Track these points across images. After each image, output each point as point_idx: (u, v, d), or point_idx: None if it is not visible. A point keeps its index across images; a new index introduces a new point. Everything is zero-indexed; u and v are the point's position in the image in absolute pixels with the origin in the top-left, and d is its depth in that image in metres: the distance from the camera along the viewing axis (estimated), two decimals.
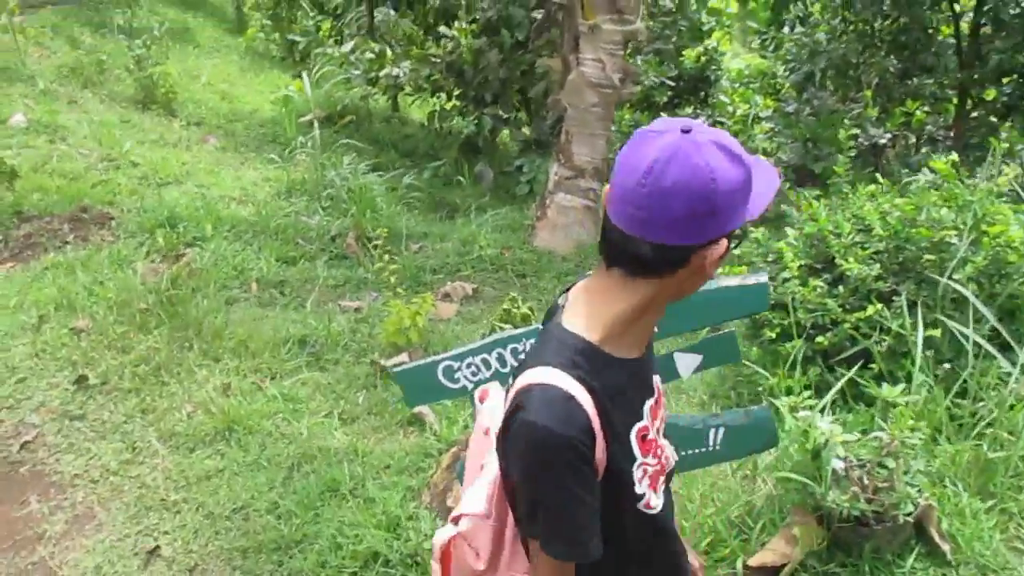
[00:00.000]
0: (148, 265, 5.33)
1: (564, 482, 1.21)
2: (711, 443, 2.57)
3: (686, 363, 2.56)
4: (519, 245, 6.31)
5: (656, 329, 1.46)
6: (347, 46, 8.51)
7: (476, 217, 6.73)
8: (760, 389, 3.68)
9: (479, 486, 1.44)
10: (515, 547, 1.41)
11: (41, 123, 7.36)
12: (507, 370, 2.55)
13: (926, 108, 9.58)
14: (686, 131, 1.19)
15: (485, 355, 2.54)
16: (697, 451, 2.57)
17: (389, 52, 8.27)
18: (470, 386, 2.58)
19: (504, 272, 5.96)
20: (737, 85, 12.09)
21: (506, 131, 8.46)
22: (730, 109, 11.06)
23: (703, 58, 11.38)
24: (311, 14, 11.43)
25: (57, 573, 3.10)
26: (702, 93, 11.67)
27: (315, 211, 6.58)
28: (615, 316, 1.28)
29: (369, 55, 8.34)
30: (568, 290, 1.41)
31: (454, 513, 1.44)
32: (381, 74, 8.05)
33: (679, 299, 1.32)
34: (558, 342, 1.29)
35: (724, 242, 1.23)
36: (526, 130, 7.69)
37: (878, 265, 3.52)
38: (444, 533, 1.44)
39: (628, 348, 1.32)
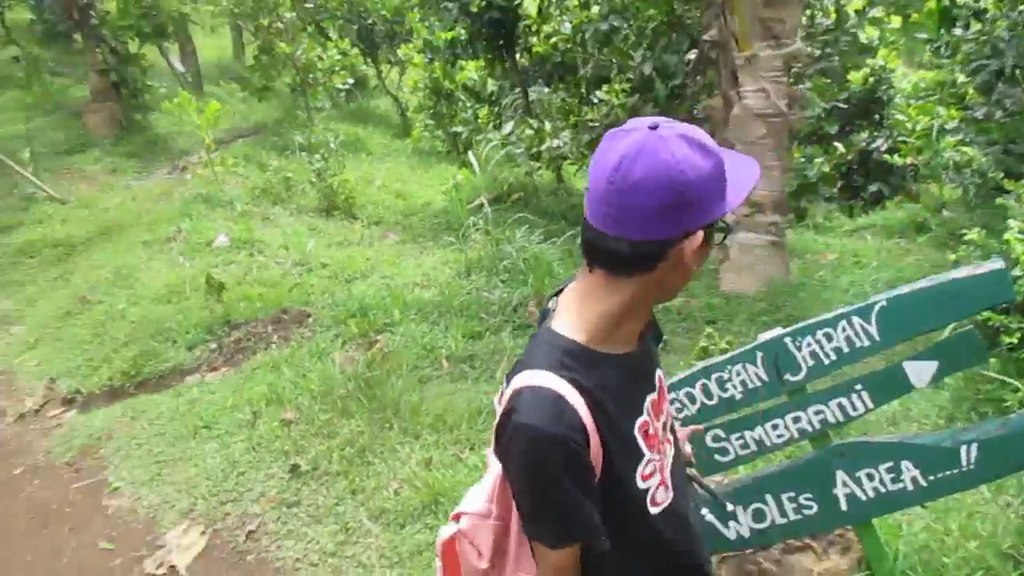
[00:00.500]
0: (344, 354, 5.54)
1: (560, 480, 1.22)
2: (964, 462, 2.23)
3: (919, 372, 2.27)
4: (704, 291, 6.06)
5: (646, 320, 1.41)
6: (506, 128, 8.74)
7: None
8: (1007, 404, 3.23)
9: (482, 485, 1.46)
10: (522, 548, 1.39)
11: (241, 240, 7.98)
12: (714, 402, 2.37)
13: None
14: (653, 127, 1.21)
15: (689, 388, 2.39)
16: (948, 473, 2.25)
17: (548, 126, 8.40)
18: (677, 425, 2.40)
19: (691, 320, 5.72)
20: (914, 100, 11.35)
21: None
22: (909, 126, 10.35)
23: (871, 79, 10.80)
24: (469, 105, 11.89)
25: None
26: (875, 115, 11.04)
27: (494, 285, 6.65)
28: (601, 316, 1.29)
29: (528, 132, 8.50)
30: (558, 294, 1.41)
31: (456, 511, 1.45)
32: (543, 148, 8.17)
33: (669, 296, 1.35)
34: (548, 345, 1.31)
35: (700, 235, 1.22)
36: None
37: None
38: (446, 531, 1.45)
39: (618, 344, 1.33)
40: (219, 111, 9.29)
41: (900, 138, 10.01)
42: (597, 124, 8.08)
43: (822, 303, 5.84)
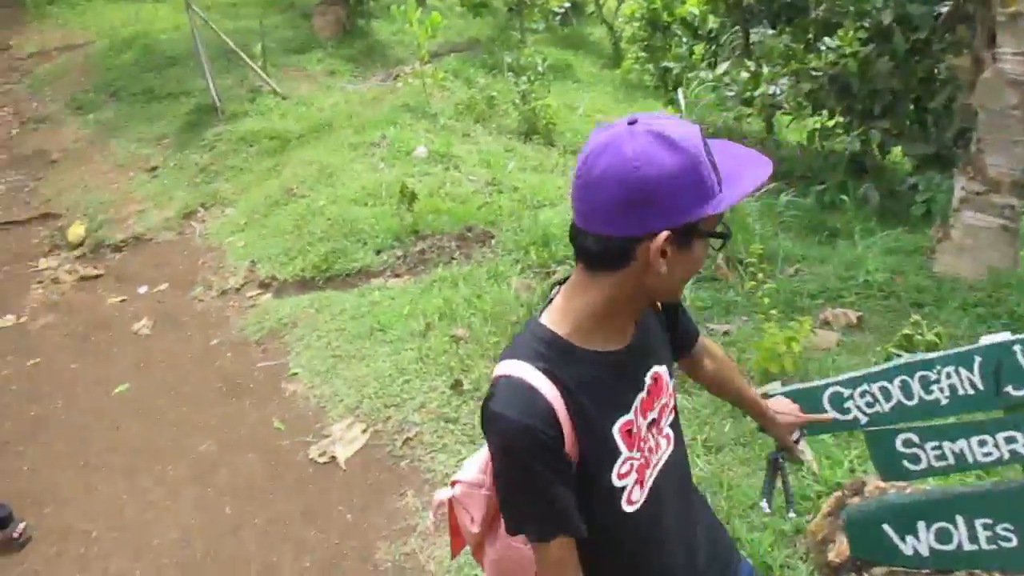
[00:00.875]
0: (521, 280, 5.53)
1: (531, 468, 1.23)
2: None
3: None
4: (914, 271, 5.51)
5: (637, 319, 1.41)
6: (721, 67, 8.25)
7: (861, 240, 6.03)
8: None
9: (476, 455, 1.54)
10: None
11: (439, 153, 8.12)
12: (914, 402, 2.10)
13: None
14: (632, 123, 1.19)
15: (885, 383, 2.11)
16: None
17: (765, 70, 7.84)
18: (863, 419, 2.16)
19: (895, 300, 5.23)
20: None
21: (897, 148, 7.56)
22: None
23: None
24: (684, 40, 11.37)
25: (425, 567, 3.21)
26: None
27: None
28: (582, 310, 1.29)
29: (744, 74, 7.99)
30: (563, 282, 1.39)
31: (453, 477, 1.51)
32: (756, 93, 7.66)
33: (662, 296, 1.35)
34: (530, 335, 1.32)
35: (663, 235, 1.18)
36: (923, 144, 6.76)
37: None
38: (442, 493, 1.53)
39: (604, 341, 1.32)
40: (439, 24, 9.36)
41: None
42: (820, 74, 7.44)
43: None
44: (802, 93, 7.55)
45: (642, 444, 1.38)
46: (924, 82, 6.96)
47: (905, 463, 2.18)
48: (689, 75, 10.59)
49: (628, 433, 1.34)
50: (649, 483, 1.39)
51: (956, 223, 5.47)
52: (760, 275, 4.85)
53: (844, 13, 7.46)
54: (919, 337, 2.99)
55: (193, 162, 8.89)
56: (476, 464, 1.53)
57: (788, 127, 9.53)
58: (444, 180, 7.53)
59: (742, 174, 1.23)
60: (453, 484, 1.52)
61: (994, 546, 2.11)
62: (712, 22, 10.82)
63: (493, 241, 6.29)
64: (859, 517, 2.26)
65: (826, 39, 7.54)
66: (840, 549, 2.45)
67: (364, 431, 4.22)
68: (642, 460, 1.38)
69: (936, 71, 6.58)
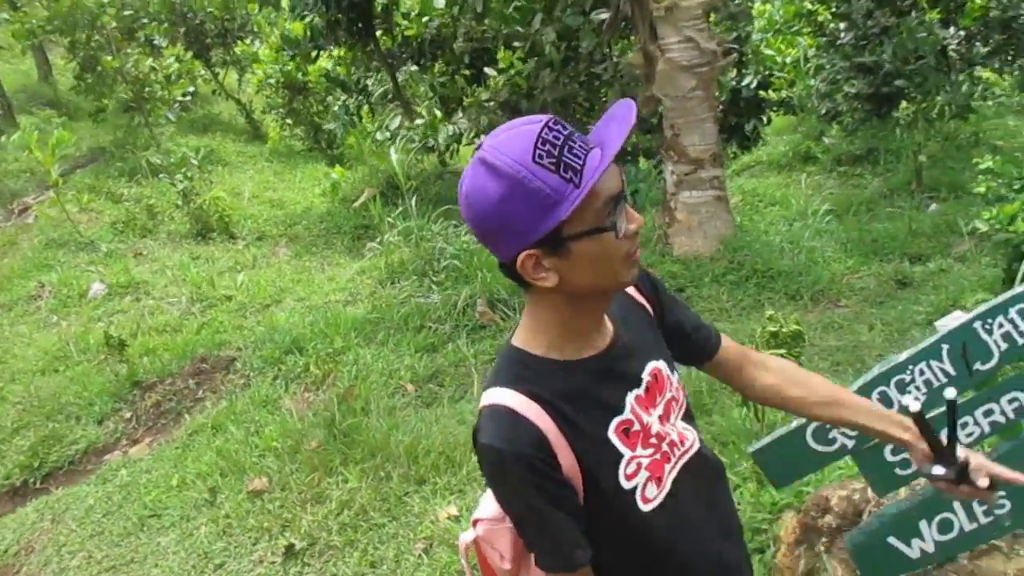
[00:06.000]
0: (294, 399, 4.88)
1: (527, 498, 1.23)
2: None
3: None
4: (658, 260, 5.76)
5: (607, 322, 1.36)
6: (394, 123, 8.09)
7: None
8: None
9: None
10: None
11: (120, 285, 7.02)
12: (895, 409, 2.00)
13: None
14: (478, 147, 1.19)
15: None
16: None
17: (438, 114, 7.83)
18: (850, 444, 2.04)
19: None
20: (769, 35, 11.52)
21: None
22: (779, 60, 10.47)
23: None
24: (337, 97, 11.09)
25: None
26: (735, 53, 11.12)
27: (429, 289, 6.11)
28: (544, 326, 1.28)
29: (419, 121, 7.91)
30: None
31: (474, 516, 1.45)
32: (440, 138, 7.61)
33: (592, 298, 1.27)
34: (506, 359, 1.31)
35: (525, 256, 1.18)
36: None
37: None
38: (466, 536, 1.46)
39: (579, 349, 1.29)
40: (67, 141, 8.08)
41: (777, 73, 10.08)
42: (492, 103, 7.59)
43: (777, 251, 5.68)
44: (482, 126, 7.63)
45: (655, 440, 1.33)
46: (588, 85, 7.36)
47: (897, 471, 2.09)
48: (356, 129, 10.39)
49: (625, 433, 1.30)
50: (670, 479, 1.35)
51: (677, 205, 5.80)
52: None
53: (494, 39, 7.67)
54: (784, 331, 3.00)
55: None
56: (493, 499, 1.40)
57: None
58: (142, 313, 6.51)
59: (611, 142, 1.16)
60: (475, 523, 1.45)
61: (991, 517, 2.08)
62: (356, 73, 10.65)
63: (237, 364, 5.51)
64: (865, 540, 2.13)
65: (486, 69, 7.69)
66: None
67: None
68: (658, 456, 1.33)
69: (603, 71, 6.97)
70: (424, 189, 9.33)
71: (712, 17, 5.63)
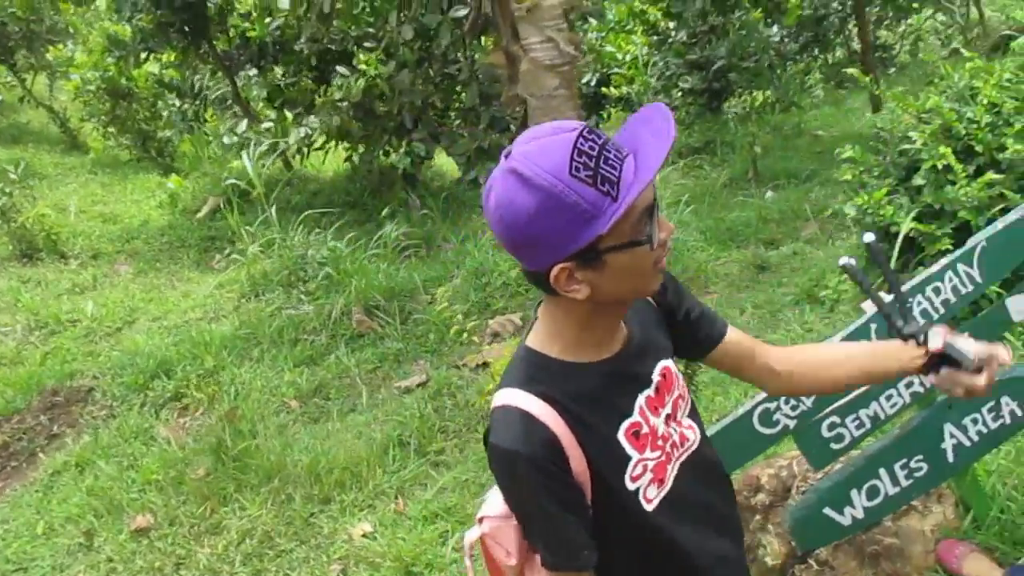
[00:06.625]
0: (169, 425, 4.56)
1: (537, 499, 1.23)
2: None
3: (1020, 306, 2.20)
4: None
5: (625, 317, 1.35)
6: (241, 126, 7.69)
7: (469, 246, 6.18)
8: None
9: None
10: None
11: None
12: None
13: None
14: (507, 154, 1.16)
15: None
16: None
17: (289, 116, 7.52)
18: (792, 423, 2.19)
19: (536, 290, 5.47)
20: (603, 34, 11.92)
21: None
22: (618, 57, 10.85)
23: None
24: (171, 103, 10.45)
25: None
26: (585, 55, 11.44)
27: (298, 300, 5.87)
28: (561, 328, 1.28)
29: (267, 125, 7.57)
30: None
31: (479, 514, 1.44)
32: (290, 140, 7.31)
33: (617, 305, 1.27)
34: (520, 360, 1.31)
35: (558, 269, 1.15)
36: (466, 142, 7.13)
37: None
38: (471, 534, 1.46)
39: (594, 351, 1.30)
40: None
41: (618, 71, 10.44)
42: (345, 103, 7.39)
43: None
44: (333, 128, 7.41)
45: (660, 442, 1.34)
46: (442, 86, 7.33)
47: (832, 446, 2.22)
48: (187, 136, 9.84)
49: (635, 436, 1.31)
50: (671, 478, 1.36)
51: None
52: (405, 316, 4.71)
53: (342, 39, 7.48)
54: None
55: None
56: (499, 495, 1.39)
57: (323, 162, 9.38)
58: None
59: (648, 157, 1.14)
60: (480, 521, 1.43)
61: (911, 480, 2.25)
62: (191, 77, 10.06)
63: (95, 394, 5.07)
64: (803, 514, 2.25)
65: (339, 68, 7.49)
66: (775, 551, 2.43)
67: None
68: (663, 457, 1.34)
69: (457, 72, 6.94)
70: (280, 196, 8.99)
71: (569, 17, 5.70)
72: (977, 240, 2.09)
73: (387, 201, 7.81)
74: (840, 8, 9.91)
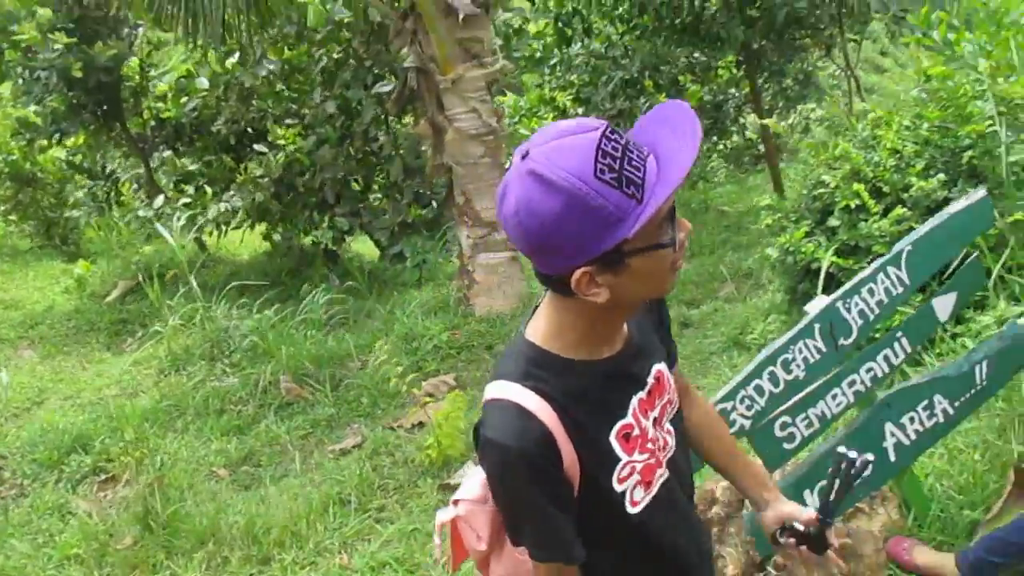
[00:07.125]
0: (88, 500, 4.32)
1: (528, 494, 1.23)
2: (978, 380, 2.40)
3: (944, 306, 2.38)
4: (463, 322, 5.88)
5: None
6: (157, 201, 7.59)
7: (398, 313, 6.19)
8: None
9: (477, 472, 1.43)
10: None
11: None
12: (780, 388, 2.26)
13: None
14: (524, 155, 1.12)
15: (757, 380, 2.28)
16: (969, 395, 2.41)
17: (209, 192, 7.48)
18: (747, 423, 2.27)
19: (468, 352, 5.51)
20: (516, 120, 12.35)
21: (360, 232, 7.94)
22: None
23: None
24: (82, 184, 10.21)
25: None
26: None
27: (222, 372, 5.73)
28: (565, 325, 1.26)
29: (184, 200, 7.50)
30: None
31: (454, 496, 1.44)
32: (209, 215, 7.25)
33: (628, 309, 1.27)
34: (517, 353, 1.29)
35: (580, 273, 1.13)
36: (390, 217, 7.21)
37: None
38: (445, 514, 1.44)
39: (594, 350, 1.28)
40: None
41: None
42: (266, 179, 7.40)
43: None
44: (253, 205, 7.39)
45: (649, 445, 1.34)
46: (365, 163, 7.44)
47: (784, 446, 2.31)
48: (96, 218, 9.61)
49: (625, 438, 1.30)
50: (658, 483, 1.36)
51: (475, 268, 5.99)
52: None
53: (262, 117, 7.55)
54: None
55: None
56: (477, 480, 1.40)
57: (241, 243, 9.27)
58: None
59: (673, 158, 1.11)
60: (455, 503, 1.42)
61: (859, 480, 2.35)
62: (101, 160, 9.90)
63: (3, 473, 4.76)
64: None
65: (255, 146, 7.53)
66: (735, 560, 2.47)
67: None
68: (652, 460, 1.34)
69: (379, 148, 7.07)
70: (197, 276, 8.79)
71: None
72: (903, 245, 2.27)
73: (307, 279, 7.78)
74: (736, 95, 10.59)
